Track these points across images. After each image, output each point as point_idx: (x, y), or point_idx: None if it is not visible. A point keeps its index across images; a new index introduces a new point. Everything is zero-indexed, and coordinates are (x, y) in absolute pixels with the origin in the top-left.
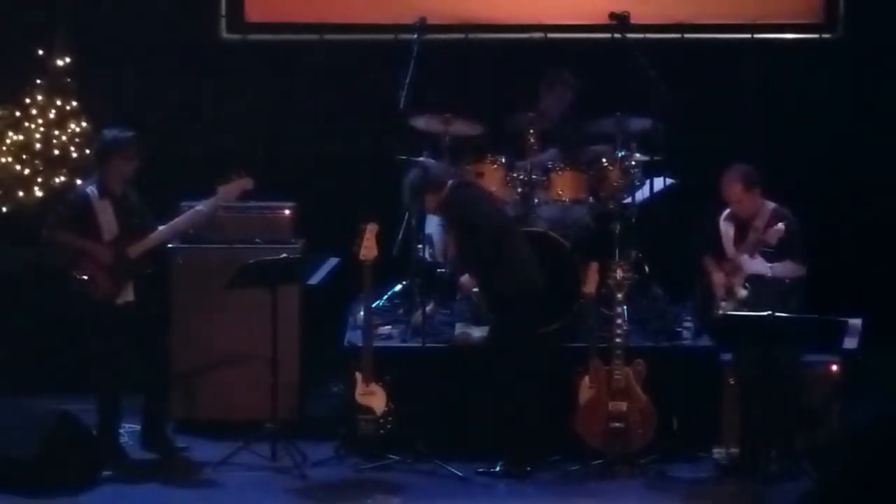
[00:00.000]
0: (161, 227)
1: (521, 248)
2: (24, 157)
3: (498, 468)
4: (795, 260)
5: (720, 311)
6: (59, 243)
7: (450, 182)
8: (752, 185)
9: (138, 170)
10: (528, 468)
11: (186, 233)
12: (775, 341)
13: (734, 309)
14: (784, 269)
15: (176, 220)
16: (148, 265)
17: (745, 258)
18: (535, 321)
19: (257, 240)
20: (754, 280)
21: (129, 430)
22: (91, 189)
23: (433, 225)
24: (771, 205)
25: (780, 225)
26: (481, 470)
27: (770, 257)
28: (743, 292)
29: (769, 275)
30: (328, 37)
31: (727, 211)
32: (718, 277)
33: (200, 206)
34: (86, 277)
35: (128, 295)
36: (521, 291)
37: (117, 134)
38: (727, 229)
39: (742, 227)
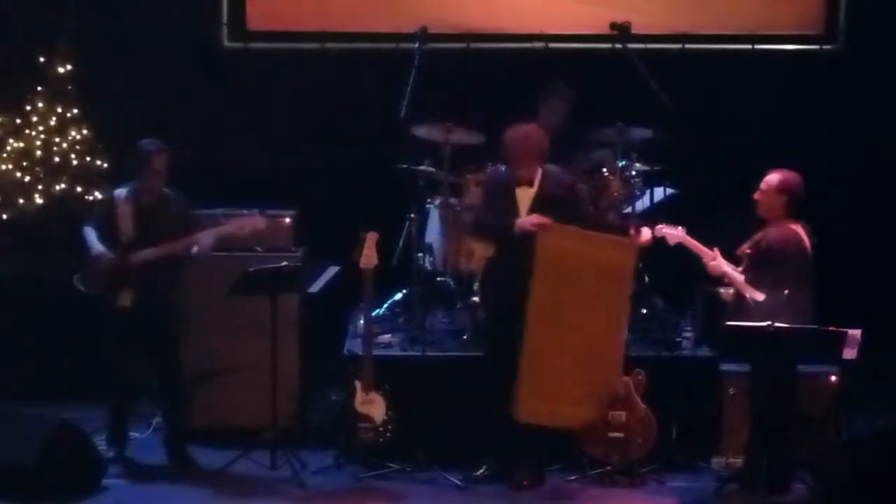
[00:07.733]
0: (169, 244)
1: None
2: (24, 164)
3: (482, 471)
4: (751, 280)
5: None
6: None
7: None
8: (784, 190)
9: (166, 180)
10: (526, 479)
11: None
12: (775, 351)
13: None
14: (732, 276)
15: (179, 241)
16: (148, 273)
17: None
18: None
19: (257, 248)
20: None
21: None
22: (120, 191)
23: (433, 233)
24: (793, 225)
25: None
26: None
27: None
28: (760, 296)
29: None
30: (330, 45)
31: None
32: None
33: (206, 235)
34: (87, 270)
35: (124, 299)
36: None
37: (146, 144)
38: None
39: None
